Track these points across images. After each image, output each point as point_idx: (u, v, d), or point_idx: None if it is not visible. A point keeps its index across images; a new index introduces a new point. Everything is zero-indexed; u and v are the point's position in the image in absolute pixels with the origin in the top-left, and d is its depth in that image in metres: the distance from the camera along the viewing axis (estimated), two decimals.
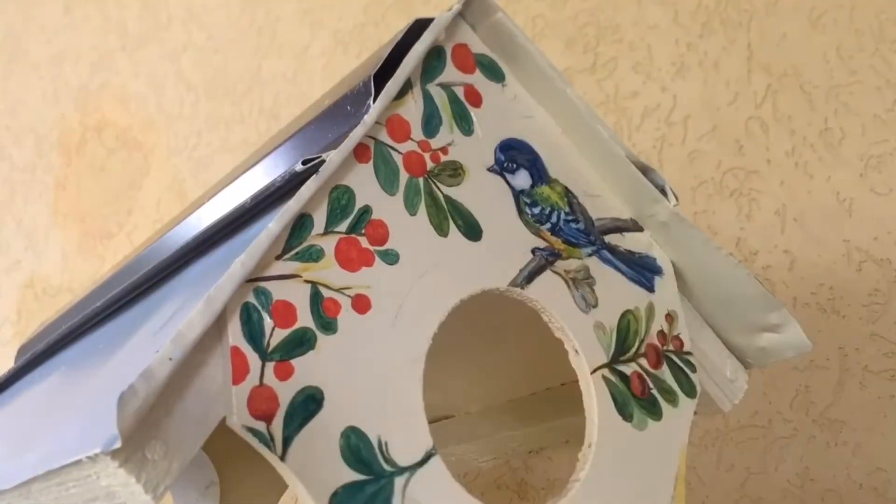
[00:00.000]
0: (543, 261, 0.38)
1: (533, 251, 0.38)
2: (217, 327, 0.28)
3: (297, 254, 0.31)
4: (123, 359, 0.35)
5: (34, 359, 0.53)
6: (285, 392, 0.29)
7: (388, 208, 0.34)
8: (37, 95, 1.16)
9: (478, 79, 0.38)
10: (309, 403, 0.30)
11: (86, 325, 0.47)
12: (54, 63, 1.14)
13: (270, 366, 0.29)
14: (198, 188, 0.96)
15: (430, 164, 0.36)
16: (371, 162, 0.34)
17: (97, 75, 1.09)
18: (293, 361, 0.30)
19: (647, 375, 0.39)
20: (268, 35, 0.95)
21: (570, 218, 0.39)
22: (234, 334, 0.29)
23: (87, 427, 0.29)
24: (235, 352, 0.29)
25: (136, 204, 1.02)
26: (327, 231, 0.32)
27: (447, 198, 0.36)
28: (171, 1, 1.04)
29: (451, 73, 0.37)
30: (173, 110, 1.01)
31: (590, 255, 0.39)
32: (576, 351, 0.37)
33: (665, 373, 0.40)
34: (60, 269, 1.06)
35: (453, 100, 0.37)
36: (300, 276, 0.31)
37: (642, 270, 0.41)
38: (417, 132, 0.36)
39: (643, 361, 0.39)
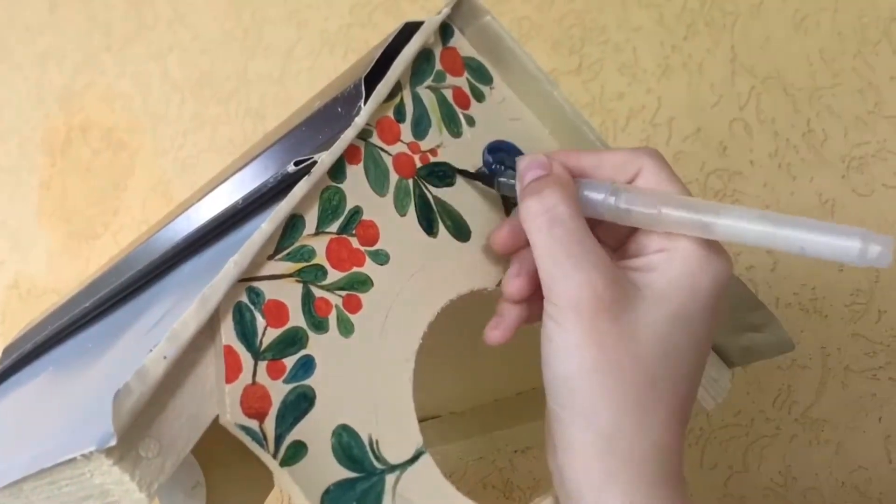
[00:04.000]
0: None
1: None
2: (210, 326, 0.29)
3: (289, 254, 0.31)
4: (114, 358, 0.35)
5: (21, 359, 0.53)
6: (277, 391, 0.30)
7: (378, 209, 0.34)
8: (21, 95, 1.15)
9: (466, 81, 0.39)
10: (301, 402, 0.30)
11: (74, 325, 0.47)
12: (38, 63, 1.14)
13: (263, 365, 0.30)
14: (184, 188, 0.96)
15: (419, 166, 0.36)
16: (362, 163, 0.34)
17: (82, 75, 1.09)
18: (285, 360, 0.30)
19: None
20: (254, 35, 0.95)
21: None
22: (227, 333, 0.29)
23: (80, 425, 0.29)
24: (228, 351, 0.29)
25: (121, 204, 1.02)
26: (319, 231, 0.32)
27: (436, 199, 0.36)
28: (156, 1, 1.04)
29: (440, 75, 0.38)
30: (159, 110, 1.01)
31: None
32: None
33: None
34: (45, 270, 1.06)
35: (442, 102, 0.37)
36: (292, 276, 0.31)
37: None
38: (407, 134, 0.36)
39: None
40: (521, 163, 0.34)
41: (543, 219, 0.31)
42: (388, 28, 0.83)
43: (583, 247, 0.31)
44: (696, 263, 0.31)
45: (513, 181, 0.36)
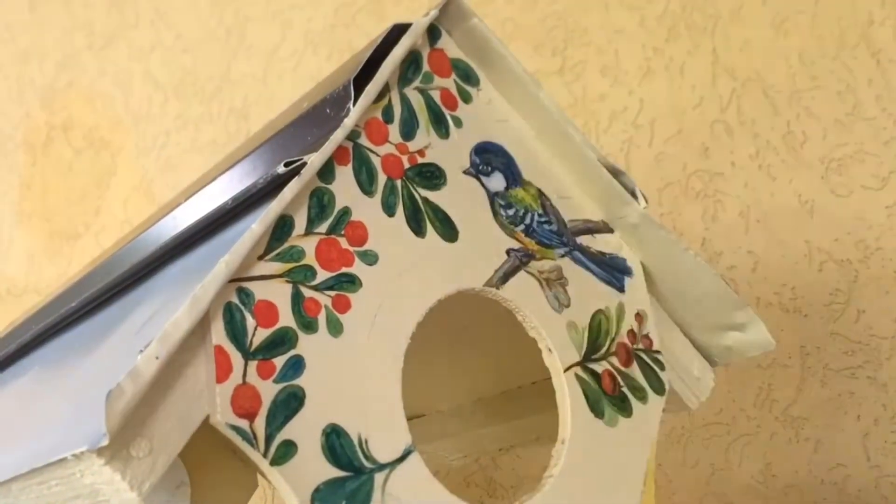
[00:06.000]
0: (518, 261, 0.38)
1: (507, 252, 0.38)
2: (201, 327, 0.29)
3: (278, 254, 0.31)
4: (103, 358, 0.35)
5: (5, 359, 0.53)
6: (268, 390, 0.30)
7: (366, 209, 0.34)
8: (1, 94, 1.14)
9: (453, 83, 0.39)
10: (291, 401, 0.30)
11: (60, 325, 0.47)
12: (19, 61, 1.13)
13: (253, 364, 0.30)
14: (166, 188, 0.96)
15: (407, 166, 0.36)
16: (350, 164, 0.34)
17: (63, 74, 1.09)
18: (275, 360, 0.30)
19: (617, 373, 0.40)
20: (237, 35, 0.95)
21: (543, 219, 0.40)
22: (218, 334, 0.29)
23: (70, 425, 0.29)
24: (219, 351, 0.29)
25: (103, 204, 1.01)
26: (308, 232, 0.32)
27: (424, 199, 0.36)
28: (138, 0, 1.04)
29: (427, 77, 0.38)
30: (141, 110, 1.01)
31: (562, 255, 0.40)
32: (549, 350, 0.38)
33: (635, 371, 0.41)
34: (26, 270, 1.05)
35: (430, 103, 0.38)
36: (282, 277, 0.31)
37: (613, 271, 0.42)
38: (395, 135, 0.36)
39: (614, 360, 0.40)
40: None
41: None
42: (373, 29, 0.83)
43: None
44: None
45: None
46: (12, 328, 0.58)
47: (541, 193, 0.40)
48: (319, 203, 0.33)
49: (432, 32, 0.39)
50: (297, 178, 0.32)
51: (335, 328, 0.32)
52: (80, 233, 1.02)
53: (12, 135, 1.12)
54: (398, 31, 0.36)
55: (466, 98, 0.39)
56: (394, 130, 0.36)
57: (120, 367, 0.27)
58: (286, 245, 0.32)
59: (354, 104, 0.34)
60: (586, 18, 0.73)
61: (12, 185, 1.10)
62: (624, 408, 0.40)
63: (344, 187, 0.34)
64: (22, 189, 1.09)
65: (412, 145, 0.37)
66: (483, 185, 0.39)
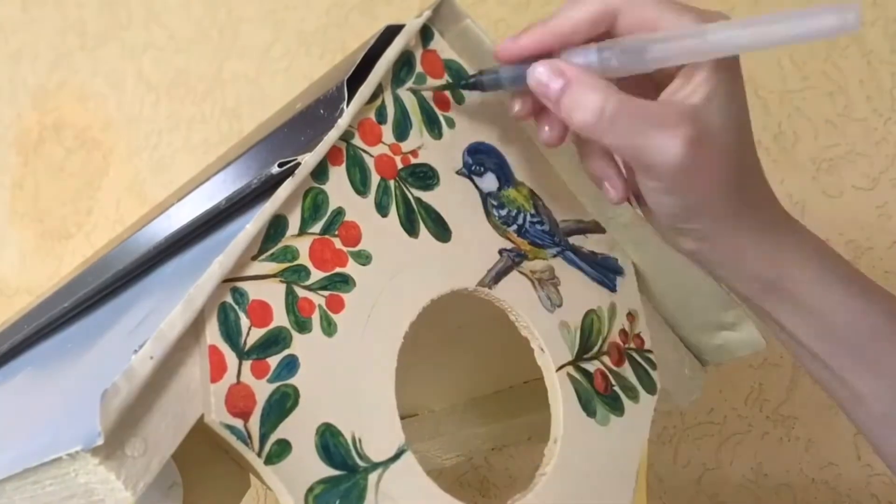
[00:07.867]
0: (510, 262, 0.39)
1: (500, 252, 0.38)
2: (195, 327, 0.29)
3: (272, 254, 0.32)
4: (97, 358, 0.35)
5: None
6: (262, 390, 0.30)
7: (360, 210, 0.34)
8: None
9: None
10: (285, 401, 0.30)
11: (52, 325, 0.47)
12: (11, 62, 1.13)
13: (247, 364, 0.30)
14: (158, 188, 0.96)
15: (400, 167, 0.36)
16: (344, 164, 0.34)
17: (55, 74, 1.08)
18: (269, 360, 0.30)
19: (609, 373, 0.40)
20: (230, 35, 0.95)
21: (535, 220, 0.40)
22: (212, 333, 0.29)
23: (64, 425, 0.29)
24: (213, 350, 0.29)
25: (95, 204, 1.01)
26: (302, 232, 0.33)
27: (417, 200, 0.36)
28: (131, 0, 1.04)
29: (420, 78, 0.38)
30: (133, 110, 1.01)
31: (555, 255, 0.40)
32: (541, 349, 0.39)
33: (627, 370, 0.41)
34: (18, 270, 1.05)
35: (423, 104, 0.38)
36: (276, 277, 0.31)
37: (605, 271, 0.42)
38: (388, 136, 0.36)
39: (606, 359, 0.41)
40: (536, 77, 0.35)
41: (600, 123, 0.33)
42: (365, 29, 0.83)
43: (643, 116, 0.33)
44: (725, 70, 0.34)
45: (504, 75, 0.36)
46: (5, 328, 0.58)
47: (533, 194, 0.41)
48: (313, 203, 0.33)
49: (425, 33, 0.39)
50: (290, 178, 0.32)
51: (329, 328, 0.32)
52: (72, 233, 1.02)
53: (4, 135, 1.11)
54: (391, 33, 0.36)
55: (459, 99, 0.39)
56: (387, 131, 0.36)
57: (114, 367, 0.27)
58: (280, 245, 0.32)
59: (348, 105, 0.34)
60: None
61: (4, 186, 1.10)
62: (616, 407, 0.40)
63: (337, 187, 0.34)
64: (13, 189, 1.09)
65: (405, 146, 0.37)
66: (476, 185, 0.39)
